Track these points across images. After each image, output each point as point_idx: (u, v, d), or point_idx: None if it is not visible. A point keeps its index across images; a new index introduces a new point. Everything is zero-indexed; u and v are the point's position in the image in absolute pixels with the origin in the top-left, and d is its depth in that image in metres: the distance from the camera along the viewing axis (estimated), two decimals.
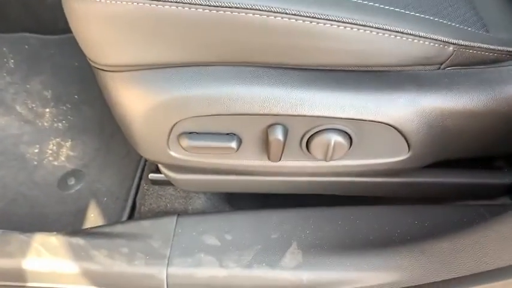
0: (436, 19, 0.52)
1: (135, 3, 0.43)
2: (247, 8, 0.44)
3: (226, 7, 0.44)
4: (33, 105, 0.95)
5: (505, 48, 0.53)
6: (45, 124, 0.91)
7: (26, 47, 1.07)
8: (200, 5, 0.43)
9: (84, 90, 0.97)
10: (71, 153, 0.86)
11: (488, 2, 0.60)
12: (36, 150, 0.87)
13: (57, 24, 1.07)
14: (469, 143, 0.57)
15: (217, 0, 0.44)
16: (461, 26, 0.54)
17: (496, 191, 0.70)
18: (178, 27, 0.45)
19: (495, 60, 0.53)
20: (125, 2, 0.43)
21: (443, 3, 0.56)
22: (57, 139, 0.89)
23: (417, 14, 0.51)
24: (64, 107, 0.95)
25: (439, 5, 0.56)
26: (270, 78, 0.50)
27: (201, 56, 0.49)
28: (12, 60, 1.04)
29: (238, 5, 0.44)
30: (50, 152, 0.87)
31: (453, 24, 0.53)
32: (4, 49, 1.06)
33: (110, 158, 0.85)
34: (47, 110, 0.94)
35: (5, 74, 1.01)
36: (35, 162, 0.85)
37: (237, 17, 0.44)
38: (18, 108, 0.94)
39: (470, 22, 0.55)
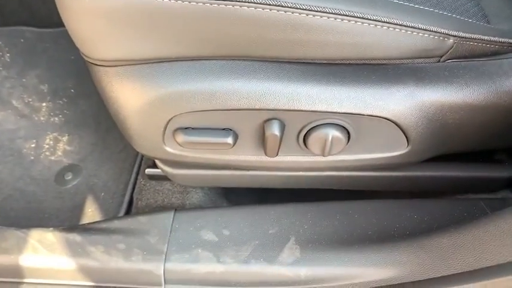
0: (435, 11, 0.51)
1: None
2: (242, 1, 0.43)
3: (220, 0, 0.43)
4: (30, 100, 0.94)
5: (506, 40, 0.52)
6: (42, 118, 0.91)
7: (22, 40, 1.06)
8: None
9: (80, 84, 0.97)
10: (68, 148, 0.86)
11: None
12: (33, 145, 0.86)
13: (52, 18, 1.06)
14: (468, 136, 0.57)
15: None
16: (462, 18, 0.52)
17: (497, 185, 0.69)
18: (172, 21, 0.44)
19: (496, 52, 0.52)
20: (130, 9, 0.42)
21: None
22: (54, 133, 0.88)
23: (416, 6, 0.50)
24: (60, 101, 0.94)
25: None
26: (266, 72, 0.49)
27: (196, 50, 0.48)
28: (8, 54, 1.03)
29: None
30: (47, 146, 0.86)
31: (453, 15, 0.52)
32: (0, 43, 1.05)
33: (106, 152, 0.85)
34: (44, 104, 0.93)
35: (0, 68, 1.00)
36: (32, 157, 0.84)
37: (232, 10, 0.43)
38: (14, 102, 0.94)
39: (470, 13, 0.54)
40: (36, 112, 0.92)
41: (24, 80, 0.98)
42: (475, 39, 0.50)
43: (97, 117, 0.90)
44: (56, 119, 0.91)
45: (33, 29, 1.07)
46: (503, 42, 0.52)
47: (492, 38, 0.51)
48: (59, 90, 0.96)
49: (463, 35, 0.50)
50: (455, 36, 0.49)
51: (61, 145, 0.86)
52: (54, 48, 1.04)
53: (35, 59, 1.02)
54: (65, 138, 0.87)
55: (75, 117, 0.91)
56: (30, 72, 0.99)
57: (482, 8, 0.56)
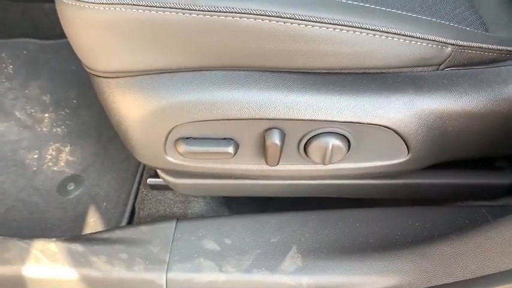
0: (433, 19, 0.52)
1: (129, 10, 0.43)
2: (241, 13, 0.44)
3: (220, 12, 0.43)
4: (32, 111, 0.95)
5: (505, 48, 0.52)
6: (44, 129, 0.91)
7: (25, 52, 1.07)
8: (194, 10, 0.43)
9: (82, 95, 0.97)
10: (70, 158, 0.86)
11: (487, 0, 0.59)
12: (36, 156, 0.87)
13: (54, 29, 1.07)
14: (468, 144, 0.57)
15: (211, 6, 0.43)
16: (460, 26, 0.53)
17: (498, 191, 0.69)
18: (173, 33, 0.45)
19: (494, 60, 0.53)
20: (118, 9, 0.43)
21: (441, 3, 0.56)
22: (56, 144, 0.89)
23: (414, 15, 0.51)
24: (63, 112, 0.95)
25: (437, 4, 0.55)
26: (266, 82, 0.50)
27: (197, 61, 0.49)
28: (11, 66, 1.04)
29: (233, 10, 0.43)
30: (49, 157, 0.87)
31: (451, 24, 0.52)
32: (3, 55, 1.06)
33: (108, 162, 0.85)
34: (46, 115, 0.94)
35: (4, 80, 1.01)
36: (35, 168, 0.85)
37: (232, 21, 0.44)
38: (17, 113, 0.94)
39: (468, 21, 0.55)
40: (38, 123, 0.93)
41: (26, 91, 0.99)
42: (473, 47, 0.51)
43: (99, 128, 0.91)
44: (59, 129, 0.91)
45: (35, 40, 1.08)
46: (501, 50, 0.52)
47: (490, 46, 0.51)
48: (61, 101, 0.96)
49: (461, 43, 0.50)
50: (453, 44, 0.50)
51: (63, 156, 0.87)
52: (57, 59, 1.05)
53: (38, 70, 1.03)
54: (67, 149, 0.88)
55: (77, 127, 0.91)
56: (33, 83, 1.00)
57: (480, 16, 0.56)
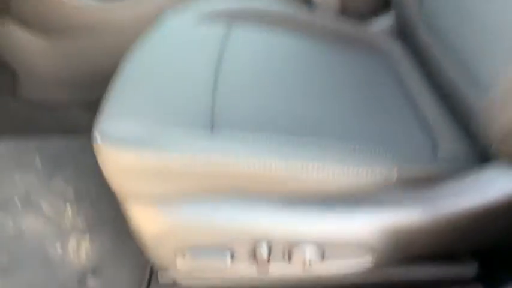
0: (380, 146, 0.62)
1: (150, 155, 0.57)
2: (233, 158, 0.57)
3: (217, 159, 0.57)
4: (56, 203, 1.05)
5: (450, 166, 0.62)
6: (66, 222, 1.01)
7: (51, 147, 1.20)
8: (197, 159, 0.57)
9: (102, 187, 1.08)
10: (90, 251, 0.95)
11: (436, 119, 0.70)
12: (58, 248, 0.95)
13: (78, 126, 1.21)
14: (424, 248, 0.66)
15: (211, 155, 0.58)
16: (408, 149, 0.63)
17: (464, 281, 0.76)
18: (183, 178, 0.59)
19: (438, 177, 0.61)
20: (143, 155, 0.57)
21: (394, 126, 0.66)
22: (77, 237, 0.98)
23: (368, 146, 0.62)
24: (84, 204, 1.04)
25: (389, 128, 0.66)
26: (256, 208, 0.62)
27: (200, 193, 0.62)
28: (38, 160, 1.17)
29: (227, 157, 0.58)
30: (71, 249, 0.95)
31: (401, 148, 0.62)
32: (32, 151, 1.19)
33: (125, 255, 0.94)
34: (68, 207, 1.04)
35: (31, 174, 1.13)
36: (57, 260, 0.93)
37: (226, 168, 0.58)
38: (43, 206, 1.05)
39: (417, 143, 0.65)
40: (61, 215, 1.02)
41: (51, 184, 1.09)
42: (419, 169, 0.61)
43: (117, 221, 0.98)
44: (79, 222, 1.00)
45: (60, 136, 1.21)
46: (446, 169, 0.61)
47: (435, 166, 0.61)
48: (83, 194, 1.06)
49: (408, 167, 0.60)
50: (401, 168, 0.60)
51: (83, 248, 0.96)
52: (81, 154, 1.16)
53: (63, 164, 1.14)
54: (87, 241, 0.97)
55: (97, 220, 1.00)
56: (58, 175, 1.11)
57: (429, 133, 0.66)
